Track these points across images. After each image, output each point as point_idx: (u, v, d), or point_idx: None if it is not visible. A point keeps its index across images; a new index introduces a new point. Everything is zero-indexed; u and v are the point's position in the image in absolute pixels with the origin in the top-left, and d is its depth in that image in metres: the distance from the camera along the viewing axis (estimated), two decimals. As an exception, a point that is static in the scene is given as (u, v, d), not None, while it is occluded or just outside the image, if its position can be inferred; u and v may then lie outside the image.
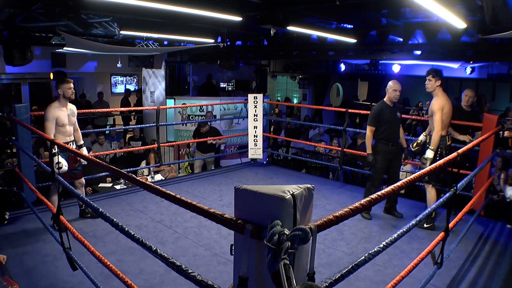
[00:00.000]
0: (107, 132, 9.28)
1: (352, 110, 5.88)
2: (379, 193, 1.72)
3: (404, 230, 2.08)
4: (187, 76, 10.31)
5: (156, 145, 5.70)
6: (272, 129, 11.44)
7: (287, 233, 1.23)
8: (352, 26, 6.37)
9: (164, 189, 1.86)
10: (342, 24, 6.37)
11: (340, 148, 5.89)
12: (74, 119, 4.10)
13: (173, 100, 9.79)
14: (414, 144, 4.46)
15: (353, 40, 6.35)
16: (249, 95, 6.62)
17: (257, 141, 6.59)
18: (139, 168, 6.60)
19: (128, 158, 7.84)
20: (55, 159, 3.35)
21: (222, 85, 11.70)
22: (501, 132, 4.53)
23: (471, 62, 9.60)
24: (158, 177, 6.64)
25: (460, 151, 2.75)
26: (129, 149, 8.12)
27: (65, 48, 6.38)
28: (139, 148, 7.35)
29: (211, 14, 4.51)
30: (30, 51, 5.51)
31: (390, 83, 4.40)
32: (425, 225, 4.07)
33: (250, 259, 1.39)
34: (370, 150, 4.42)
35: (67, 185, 2.96)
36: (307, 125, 11.08)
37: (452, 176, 2.85)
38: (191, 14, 4.48)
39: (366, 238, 3.93)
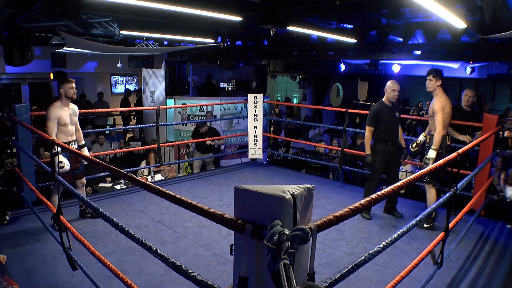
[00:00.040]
0: (107, 132, 9.28)
1: (352, 110, 5.88)
2: (379, 193, 1.72)
3: (404, 230, 2.08)
4: (187, 76, 10.30)
5: (156, 145, 5.70)
6: (272, 129, 11.43)
7: (287, 233, 1.23)
8: (352, 26, 6.37)
9: (164, 189, 1.86)
10: (342, 24, 6.37)
11: (340, 148, 5.89)
12: (76, 119, 4.11)
13: (173, 100, 9.79)
14: (414, 144, 4.45)
15: (353, 40, 6.35)
16: (249, 95, 6.61)
17: (257, 141, 6.59)
18: (139, 168, 6.60)
19: (128, 158, 7.84)
20: (57, 159, 3.35)
21: (222, 85, 11.70)
22: (501, 132, 4.53)
23: (471, 62, 9.59)
24: (158, 177, 6.64)
25: (460, 151, 2.75)
26: (129, 149, 8.12)
27: (65, 48, 6.38)
28: (139, 148, 7.35)
29: (211, 14, 4.51)
30: (30, 51, 5.51)
31: (388, 83, 4.39)
32: (425, 225, 4.07)
33: (250, 259, 1.39)
34: (369, 151, 4.42)
35: (67, 185, 2.96)
36: (307, 125, 11.07)
37: (452, 176, 2.85)
38: (191, 14, 4.49)
39: (366, 238, 3.93)
